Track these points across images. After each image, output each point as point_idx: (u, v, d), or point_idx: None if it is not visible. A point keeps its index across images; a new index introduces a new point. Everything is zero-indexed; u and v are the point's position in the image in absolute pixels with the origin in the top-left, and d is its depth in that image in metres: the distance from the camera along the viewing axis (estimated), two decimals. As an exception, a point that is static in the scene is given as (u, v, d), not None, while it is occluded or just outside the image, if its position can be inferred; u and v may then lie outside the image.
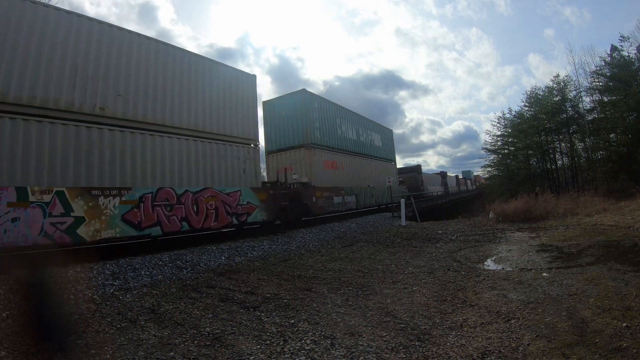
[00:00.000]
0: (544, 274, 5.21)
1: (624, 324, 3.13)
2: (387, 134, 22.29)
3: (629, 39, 22.77)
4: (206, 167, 8.91)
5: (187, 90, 8.84)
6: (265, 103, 14.75)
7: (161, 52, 8.43)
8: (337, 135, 15.53)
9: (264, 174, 14.23)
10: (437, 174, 41.57)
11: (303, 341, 3.35)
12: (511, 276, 5.31)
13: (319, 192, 13.17)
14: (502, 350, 2.94)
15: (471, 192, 48.87)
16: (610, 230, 8.74)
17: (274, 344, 3.30)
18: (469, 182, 58.86)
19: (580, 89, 25.53)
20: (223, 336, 3.52)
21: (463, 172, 63.67)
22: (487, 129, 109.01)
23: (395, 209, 16.32)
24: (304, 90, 13.81)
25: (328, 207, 13.69)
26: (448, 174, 44.88)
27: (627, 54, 23.25)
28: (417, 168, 30.65)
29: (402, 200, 14.59)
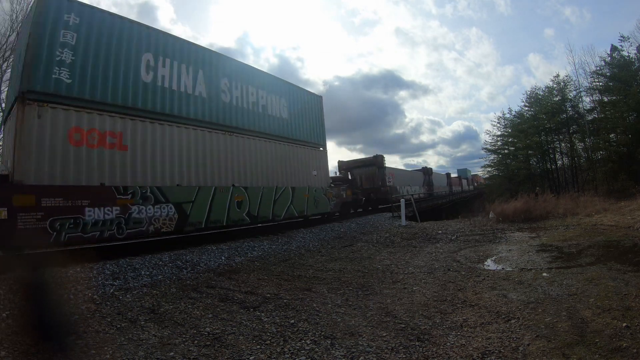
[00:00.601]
0: (544, 274, 5.21)
1: (624, 324, 3.13)
2: (305, 102, 13.28)
3: (629, 39, 22.82)
4: None
5: None
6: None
7: None
8: (135, 82, 7.73)
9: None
10: (417, 170, 33.17)
11: (303, 341, 3.35)
12: (511, 276, 5.31)
13: (26, 197, 5.78)
14: (502, 350, 2.94)
15: (467, 194, 44.20)
16: (610, 230, 8.74)
17: (274, 344, 3.30)
18: (465, 181, 53.51)
19: (580, 89, 25.59)
20: (223, 336, 3.52)
21: (458, 171, 58.45)
22: (487, 129, 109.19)
23: (395, 209, 16.25)
24: None
25: (61, 230, 6.05)
26: (435, 171, 36.35)
27: (627, 54, 23.31)
28: (376, 160, 21.69)
29: (402, 201, 14.57)
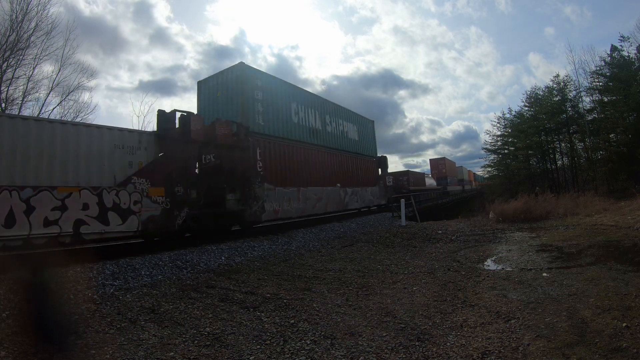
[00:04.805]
0: (544, 274, 5.21)
1: (624, 324, 3.13)
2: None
3: (629, 39, 22.84)
4: None
5: None
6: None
7: None
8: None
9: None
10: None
11: (303, 341, 3.35)
12: (511, 276, 5.31)
13: None
14: (502, 350, 2.94)
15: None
16: (610, 230, 8.74)
17: (274, 344, 3.30)
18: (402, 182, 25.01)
19: (580, 89, 25.58)
20: (223, 336, 3.52)
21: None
22: (487, 128, 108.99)
23: (395, 209, 16.21)
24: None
25: None
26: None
27: (627, 54, 23.34)
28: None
29: (402, 201, 14.56)
